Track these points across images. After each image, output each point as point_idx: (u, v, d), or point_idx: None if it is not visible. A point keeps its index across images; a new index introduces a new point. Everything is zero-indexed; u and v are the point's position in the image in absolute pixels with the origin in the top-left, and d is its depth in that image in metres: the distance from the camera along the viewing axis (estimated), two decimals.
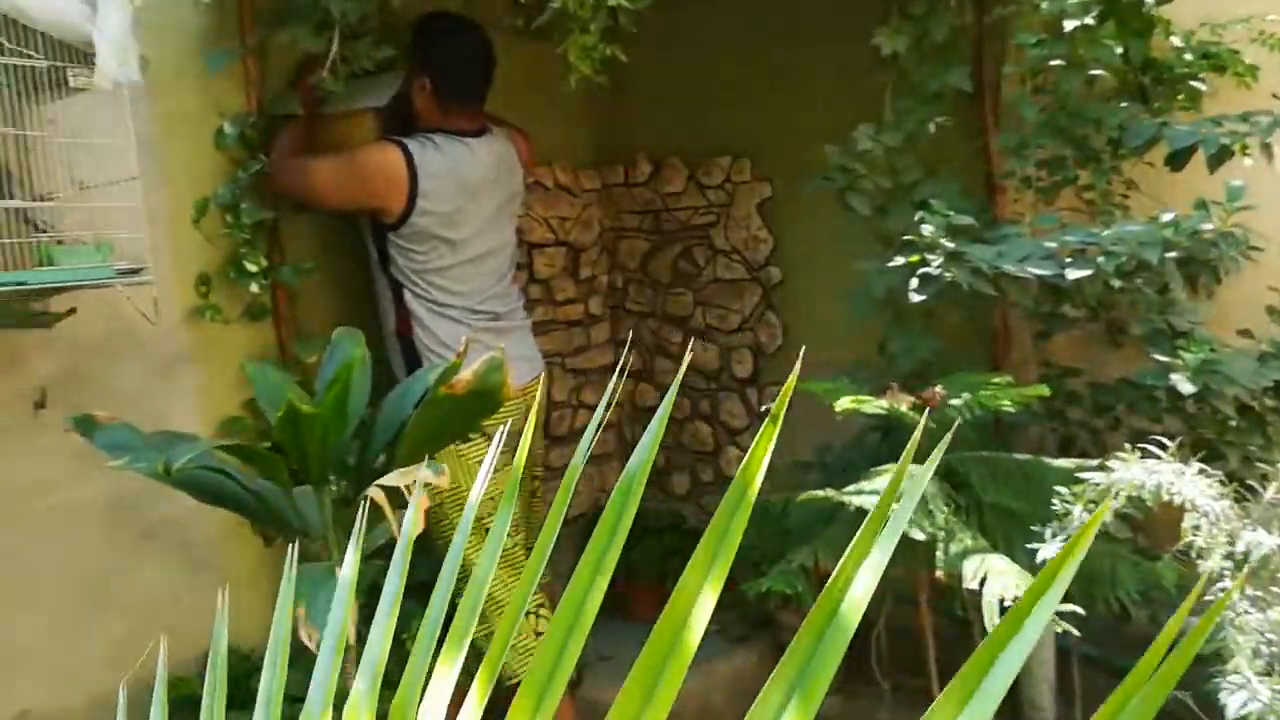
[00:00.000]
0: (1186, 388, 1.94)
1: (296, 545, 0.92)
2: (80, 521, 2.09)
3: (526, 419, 2.54)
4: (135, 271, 1.87)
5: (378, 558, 2.36)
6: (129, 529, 2.15)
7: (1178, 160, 2.27)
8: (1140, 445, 1.70)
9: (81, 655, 1.91)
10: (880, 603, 2.52)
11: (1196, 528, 1.56)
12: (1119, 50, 2.35)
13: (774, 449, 2.63)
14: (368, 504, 1.50)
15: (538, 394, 2.59)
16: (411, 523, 1.34)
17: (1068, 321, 2.46)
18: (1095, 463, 1.80)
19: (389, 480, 1.38)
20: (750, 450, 0.70)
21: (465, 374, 1.53)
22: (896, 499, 0.67)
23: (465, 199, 2.42)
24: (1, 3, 1.72)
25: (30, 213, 1.84)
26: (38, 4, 1.76)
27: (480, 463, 2.37)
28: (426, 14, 2.49)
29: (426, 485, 2.39)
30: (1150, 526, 2.10)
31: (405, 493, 1.38)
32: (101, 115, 1.91)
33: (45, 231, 1.83)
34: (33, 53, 1.78)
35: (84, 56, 1.84)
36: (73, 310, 2.02)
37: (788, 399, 0.71)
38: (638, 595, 3.20)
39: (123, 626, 1.99)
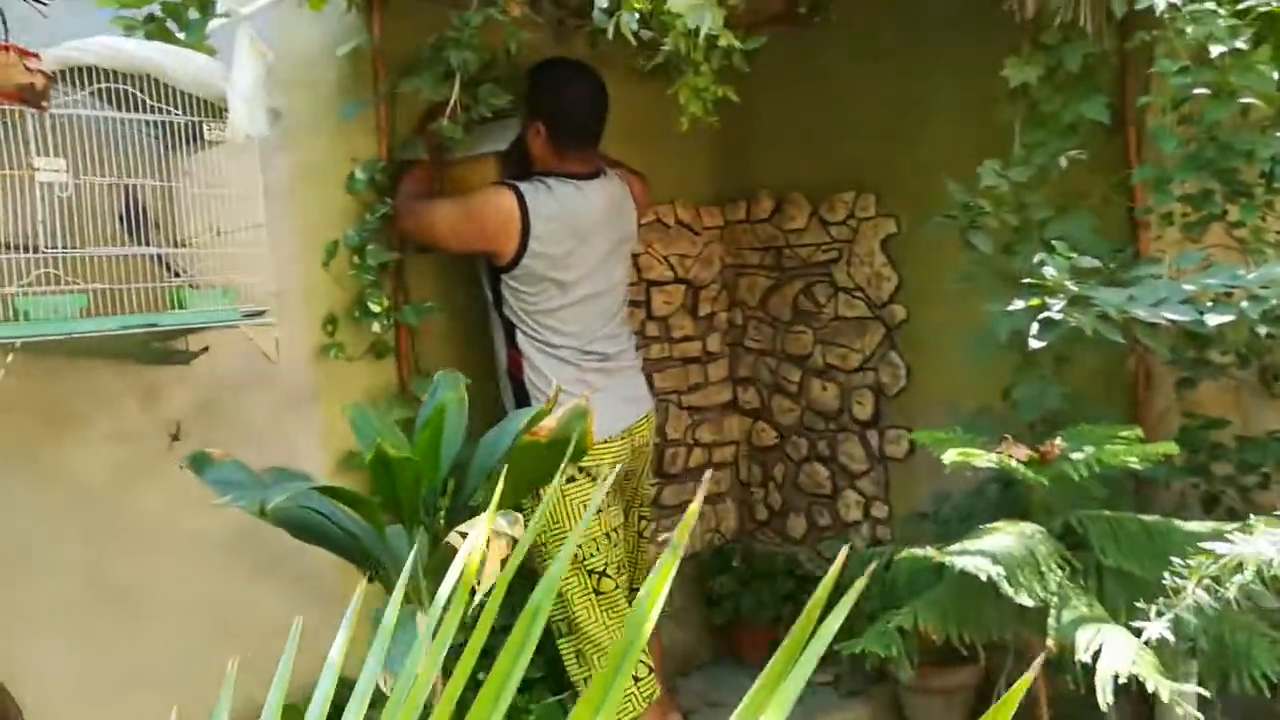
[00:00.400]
0: None
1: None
2: (205, 550, 2.21)
3: (634, 459, 2.56)
4: (259, 314, 1.97)
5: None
6: (249, 559, 2.26)
7: None
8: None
9: (200, 679, 2.01)
10: (1002, 662, 2.39)
11: None
12: (1276, 75, 2.17)
13: (896, 497, 2.55)
14: (459, 549, 1.53)
15: (646, 434, 2.60)
16: (486, 571, 1.36)
17: (1215, 368, 2.28)
18: (1232, 526, 1.66)
19: (465, 528, 1.40)
20: (647, 585, 0.67)
21: (549, 421, 1.54)
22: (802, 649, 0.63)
23: (576, 241, 2.45)
24: (143, 62, 1.85)
25: (168, 258, 1.97)
26: (176, 63, 1.90)
27: (584, 503, 2.38)
28: (542, 61, 2.55)
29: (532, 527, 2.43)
30: None
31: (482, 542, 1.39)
32: (235, 166, 2.03)
33: (180, 276, 1.96)
34: (172, 108, 1.91)
35: (219, 111, 1.96)
36: (206, 349, 2.15)
37: (690, 527, 0.68)
38: (751, 640, 3.15)
39: (238, 653, 2.09)
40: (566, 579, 2.38)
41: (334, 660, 0.86)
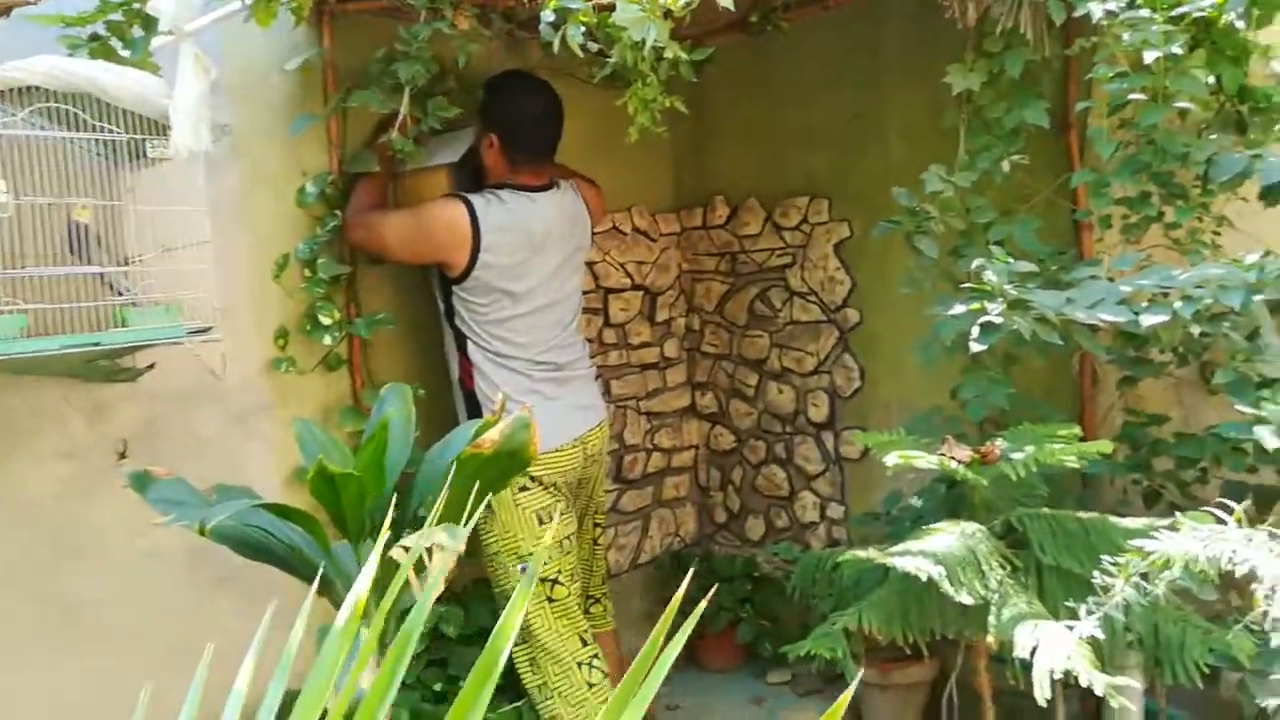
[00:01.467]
0: (1271, 442, 1.80)
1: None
2: (161, 566, 2.20)
3: (587, 467, 2.57)
4: (204, 330, 1.97)
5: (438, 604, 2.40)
6: (208, 573, 2.25)
7: (1271, 195, 2.14)
8: (1212, 506, 1.59)
9: (162, 696, 2.01)
10: (952, 659, 2.42)
11: (1268, 596, 1.46)
12: (1210, 80, 2.22)
13: (852, 497, 2.57)
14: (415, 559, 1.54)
15: (600, 442, 2.62)
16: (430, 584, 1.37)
17: (1154, 367, 2.33)
18: (1164, 523, 1.70)
19: (407, 542, 1.41)
20: (503, 617, 0.70)
21: (492, 433, 1.55)
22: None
23: (529, 252, 2.46)
24: (85, 81, 1.85)
25: (111, 277, 1.97)
26: (118, 81, 1.89)
27: (536, 512, 2.40)
28: (497, 74, 2.56)
29: (489, 533, 2.44)
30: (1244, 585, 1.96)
31: (424, 556, 1.41)
32: (179, 182, 2.02)
33: (122, 294, 1.95)
34: (114, 126, 1.91)
35: (162, 128, 1.96)
36: (152, 365, 2.14)
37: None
38: (709, 645, 3.17)
39: (193, 668, 2.08)
40: (516, 586, 2.39)
41: (240, 690, 0.88)
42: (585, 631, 2.46)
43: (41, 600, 2.08)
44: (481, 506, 2.39)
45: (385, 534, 0.99)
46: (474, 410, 2.47)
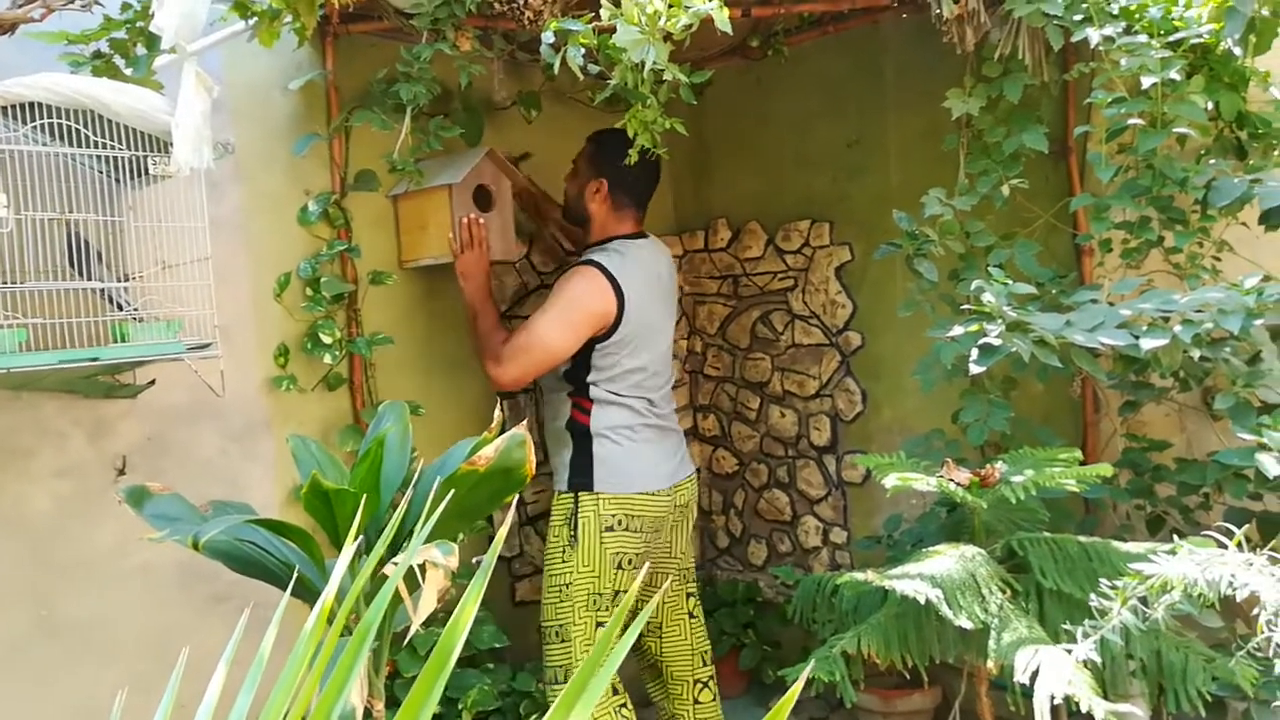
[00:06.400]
0: (1273, 469, 1.79)
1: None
2: (156, 583, 2.19)
3: (677, 517, 2.57)
4: (204, 346, 1.97)
5: (436, 625, 2.38)
6: (201, 591, 2.24)
7: (1271, 220, 2.13)
8: (1213, 531, 1.58)
9: (150, 714, 1.99)
10: (955, 686, 2.40)
11: (1270, 623, 1.44)
12: (1208, 105, 2.23)
13: (855, 522, 2.55)
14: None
15: (689, 494, 2.62)
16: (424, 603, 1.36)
17: (1155, 391, 2.32)
18: (1167, 548, 1.68)
19: (403, 559, 1.39)
20: (459, 607, 0.69)
21: (487, 450, 1.55)
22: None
23: (652, 299, 2.55)
24: (85, 99, 1.86)
25: (112, 292, 1.97)
26: (120, 98, 1.90)
27: (617, 555, 2.41)
28: (603, 130, 2.58)
29: (565, 563, 2.42)
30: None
31: (417, 573, 1.40)
32: (181, 199, 2.03)
33: (124, 309, 1.95)
34: (116, 143, 1.92)
35: (163, 145, 1.97)
36: (152, 382, 2.14)
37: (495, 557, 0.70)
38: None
39: (190, 687, 2.07)
40: (576, 624, 2.38)
41: (211, 700, 0.87)
42: (618, 681, 2.42)
43: (35, 616, 2.07)
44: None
45: (382, 547, 0.98)
46: (585, 445, 2.49)
